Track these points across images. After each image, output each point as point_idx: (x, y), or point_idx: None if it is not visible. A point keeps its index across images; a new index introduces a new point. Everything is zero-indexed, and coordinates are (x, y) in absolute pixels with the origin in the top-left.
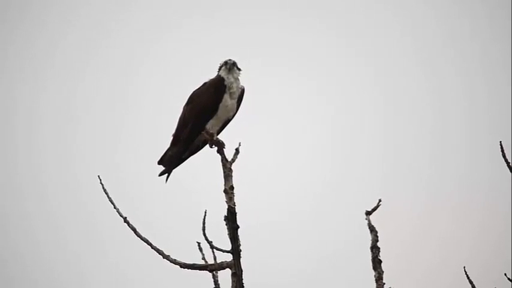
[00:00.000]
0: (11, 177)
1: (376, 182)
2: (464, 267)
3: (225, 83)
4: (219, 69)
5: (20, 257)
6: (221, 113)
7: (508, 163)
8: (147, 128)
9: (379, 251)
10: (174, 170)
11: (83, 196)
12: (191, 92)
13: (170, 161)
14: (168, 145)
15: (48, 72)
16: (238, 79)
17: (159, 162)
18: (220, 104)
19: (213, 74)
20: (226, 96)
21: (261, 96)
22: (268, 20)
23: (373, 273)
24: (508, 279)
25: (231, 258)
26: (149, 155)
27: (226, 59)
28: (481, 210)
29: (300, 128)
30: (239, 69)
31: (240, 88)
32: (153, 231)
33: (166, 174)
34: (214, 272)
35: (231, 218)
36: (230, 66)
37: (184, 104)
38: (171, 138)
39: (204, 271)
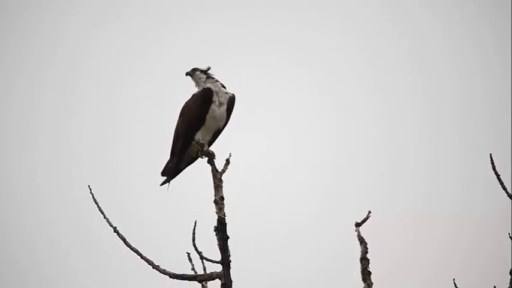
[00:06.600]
0: (4, 178)
1: (372, 192)
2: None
3: (213, 91)
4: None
5: (14, 257)
6: (209, 123)
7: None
8: (141, 134)
9: (368, 263)
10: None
11: (77, 197)
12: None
13: (168, 172)
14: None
15: (44, 71)
16: (219, 85)
17: (163, 174)
18: (208, 115)
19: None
20: (213, 106)
21: (257, 101)
22: (267, 19)
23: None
24: None
25: (221, 269)
26: (142, 163)
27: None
28: (476, 221)
29: (298, 134)
30: (204, 72)
31: (229, 96)
32: (144, 240)
33: (167, 184)
34: (203, 283)
35: (220, 229)
36: (191, 76)
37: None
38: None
39: (194, 282)
